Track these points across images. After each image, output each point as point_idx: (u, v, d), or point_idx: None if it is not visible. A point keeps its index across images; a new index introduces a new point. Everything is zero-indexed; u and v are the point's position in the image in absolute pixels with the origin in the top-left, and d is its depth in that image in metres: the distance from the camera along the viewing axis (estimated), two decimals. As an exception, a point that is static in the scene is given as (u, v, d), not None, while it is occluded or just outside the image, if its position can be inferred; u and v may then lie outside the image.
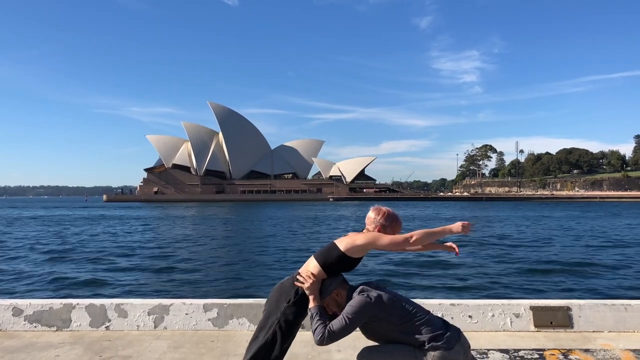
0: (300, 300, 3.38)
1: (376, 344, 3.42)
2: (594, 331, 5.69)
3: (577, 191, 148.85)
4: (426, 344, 3.24)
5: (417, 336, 3.26)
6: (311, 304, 3.33)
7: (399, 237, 3.46)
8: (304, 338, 5.49)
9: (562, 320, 5.78)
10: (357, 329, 3.36)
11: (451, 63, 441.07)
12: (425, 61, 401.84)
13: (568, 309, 5.85)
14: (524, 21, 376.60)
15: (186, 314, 5.89)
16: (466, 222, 3.49)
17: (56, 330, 5.83)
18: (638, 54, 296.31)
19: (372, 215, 3.60)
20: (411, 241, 3.39)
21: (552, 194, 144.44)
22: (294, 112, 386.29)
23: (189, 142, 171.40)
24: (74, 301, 6.09)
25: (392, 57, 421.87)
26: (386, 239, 3.42)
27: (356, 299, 3.26)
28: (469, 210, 76.30)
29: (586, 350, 5.08)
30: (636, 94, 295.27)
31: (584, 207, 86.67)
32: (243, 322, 5.81)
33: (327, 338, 3.24)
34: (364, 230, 3.62)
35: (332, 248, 3.44)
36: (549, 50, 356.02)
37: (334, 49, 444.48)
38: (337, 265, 3.41)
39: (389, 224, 3.55)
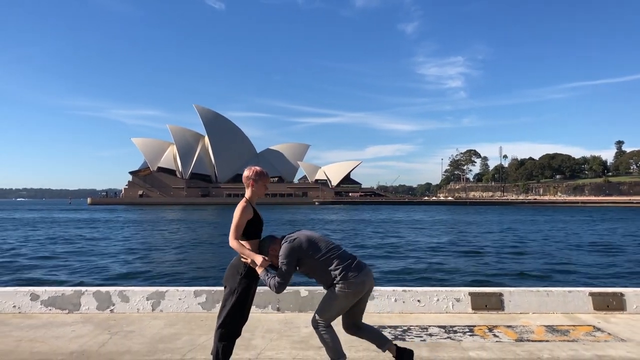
0: (249, 271, 4.35)
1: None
2: (520, 313, 6.85)
3: (560, 196, 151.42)
4: (339, 273, 4.27)
5: (333, 266, 4.27)
6: (258, 270, 4.27)
7: (235, 228, 4.29)
8: (278, 318, 6.60)
9: (495, 304, 6.93)
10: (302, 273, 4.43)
11: (436, 69, 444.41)
12: (411, 66, 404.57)
13: (500, 294, 7.01)
14: (509, 28, 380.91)
15: (179, 299, 6.94)
16: (267, 258, 4.31)
17: (68, 313, 6.85)
18: (620, 61, 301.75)
19: (246, 173, 4.52)
20: (231, 240, 4.31)
21: (535, 199, 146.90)
22: (280, 116, 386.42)
23: (175, 145, 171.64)
24: (82, 288, 7.13)
25: (378, 62, 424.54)
26: (234, 221, 4.29)
27: (283, 247, 4.28)
28: (452, 214, 77.86)
29: (508, 326, 6.22)
30: (617, 100, 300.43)
31: (559, 212, 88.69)
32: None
33: (279, 286, 4.24)
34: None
35: None
36: (533, 56, 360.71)
37: (319, 53, 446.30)
38: (248, 230, 4.34)
39: (258, 178, 4.49)
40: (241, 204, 4.34)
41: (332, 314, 4.44)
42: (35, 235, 36.63)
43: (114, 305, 6.93)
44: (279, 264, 4.29)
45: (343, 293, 4.30)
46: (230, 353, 4.41)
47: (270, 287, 4.26)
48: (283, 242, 4.35)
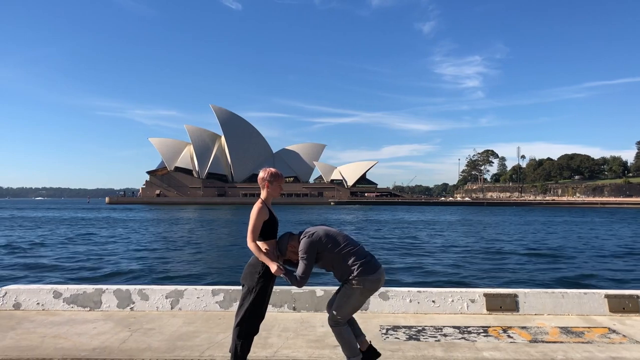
0: (267, 271, 4.45)
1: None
2: (535, 314, 6.87)
3: (578, 197, 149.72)
4: (357, 269, 4.40)
5: (351, 261, 4.41)
6: (276, 270, 4.33)
7: (252, 229, 4.39)
8: (294, 317, 6.70)
9: (509, 305, 6.96)
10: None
11: (453, 68, 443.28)
12: (428, 66, 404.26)
13: (515, 295, 7.03)
14: (527, 27, 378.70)
15: (197, 297, 7.08)
16: (281, 267, 4.39)
17: (89, 310, 7.02)
18: (639, 60, 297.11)
19: (261, 175, 4.63)
20: (249, 242, 4.41)
21: (553, 200, 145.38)
22: (296, 116, 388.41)
23: (192, 145, 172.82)
24: (103, 286, 7.30)
25: (394, 62, 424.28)
26: (250, 222, 4.41)
27: (302, 242, 4.39)
28: (470, 215, 77.35)
29: (523, 327, 6.25)
30: (638, 100, 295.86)
31: (578, 213, 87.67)
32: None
33: (300, 280, 4.36)
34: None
35: None
36: (551, 56, 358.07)
37: (336, 53, 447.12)
38: (264, 231, 4.45)
39: (273, 179, 4.60)
40: (257, 206, 4.45)
41: (348, 310, 4.55)
42: (58, 233, 37.21)
43: (133, 303, 7.09)
44: (299, 258, 4.39)
45: (359, 290, 4.43)
46: (248, 350, 4.52)
47: (291, 283, 4.38)
48: (302, 237, 4.46)
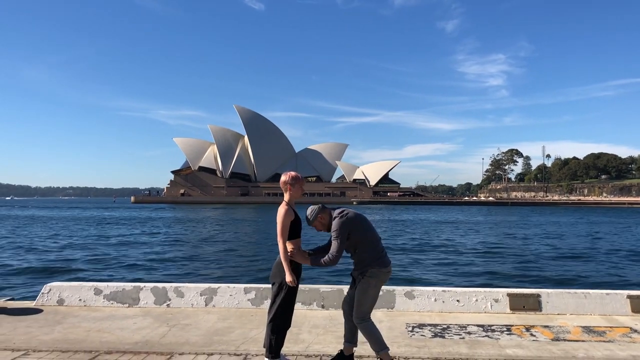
0: (294, 268, 4.74)
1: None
2: (558, 314, 7.04)
3: (605, 197, 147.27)
4: (376, 258, 4.76)
5: (372, 249, 4.76)
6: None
7: (281, 231, 4.67)
8: (323, 315, 6.98)
9: (532, 304, 7.14)
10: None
11: (477, 66, 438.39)
12: (451, 65, 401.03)
13: (538, 295, 7.21)
14: (552, 24, 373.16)
15: (230, 295, 7.40)
16: (294, 278, 4.68)
17: (128, 307, 7.40)
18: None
19: (283, 179, 4.90)
20: (280, 244, 4.68)
21: (579, 200, 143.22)
22: (318, 116, 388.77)
23: (215, 145, 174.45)
24: (141, 284, 7.67)
25: (417, 61, 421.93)
26: (279, 225, 4.70)
27: (335, 222, 4.69)
28: (494, 215, 76.83)
29: (545, 326, 6.43)
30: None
31: (604, 213, 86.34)
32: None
33: (333, 258, 4.64)
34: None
35: None
36: (577, 53, 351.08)
37: (358, 52, 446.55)
38: (291, 231, 4.74)
39: (295, 182, 4.88)
40: (283, 208, 4.75)
41: (369, 303, 4.85)
42: (87, 233, 38.14)
43: (170, 300, 7.44)
44: (333, 238, 4.68)
45: (373, 281, 4.78)
46: (282, 344, 4.82)
47: (324, 264, 4.67)
48: (335, 216, 4.75)
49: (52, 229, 42.68)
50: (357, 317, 4.85)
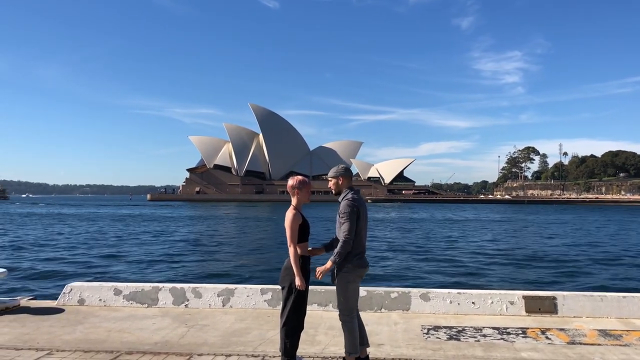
0: (302, 270, 4.79)
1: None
2: (574, 316, 7.03)
3: (623, 195, 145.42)
4: (359, 252, 4.83)
5: (360, 240, 4.84)
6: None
7: (291, 235, 4.76)
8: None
9: (548, 307, 7.13)
10: None
11: (492, 64, 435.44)
12: (466, 62, 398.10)
13: (554, 298, 7.20)
14: (568, 21, 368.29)
15: (247, 296, 7.49)
16: (303, 284, 4.75)
17: (147, 307, 7.53)
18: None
19: (290, 183, 5.01)
20: (290, 248, 4.76)
21: (597, 198, 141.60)
22: (333, 113, 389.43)
23: (230, 143, 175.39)
24: (160, 285, 7.80)
25: (432, 58, 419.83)
26: (288, 229, 4.78)
27: (344, 204, 4.84)
28: (510, 213, 76.28)
29: (561, 329, 6.44)
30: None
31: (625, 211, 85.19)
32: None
33: (347, 239, 4.71)
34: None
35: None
36: (594, 50, 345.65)
37: (372, 50, 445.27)
38: (299, 234, 4.82)
39: (302, 186, 4.98)
40: (291, 212, 4.84)
41: (353, 298, 4.93)
42: (106, 230, 38.60)
43: (188, 300, 7.56)
44: (344, 220, 4.76)
45: (352, 277, 4.84)
46: (297, 346, 4.89)
47: (340, 250, 4.72)
48: (344, 198, 4.89)
49: (73, 226, 43.26)
50: (344, 314, 4.93)
